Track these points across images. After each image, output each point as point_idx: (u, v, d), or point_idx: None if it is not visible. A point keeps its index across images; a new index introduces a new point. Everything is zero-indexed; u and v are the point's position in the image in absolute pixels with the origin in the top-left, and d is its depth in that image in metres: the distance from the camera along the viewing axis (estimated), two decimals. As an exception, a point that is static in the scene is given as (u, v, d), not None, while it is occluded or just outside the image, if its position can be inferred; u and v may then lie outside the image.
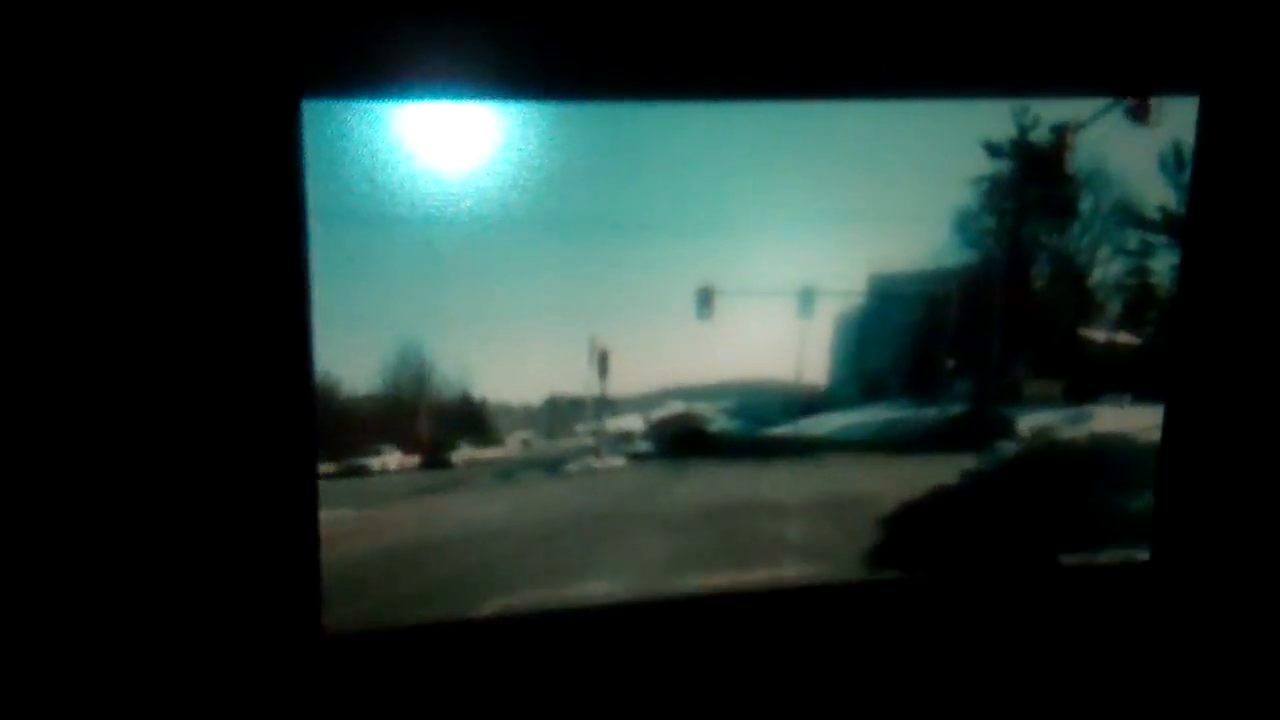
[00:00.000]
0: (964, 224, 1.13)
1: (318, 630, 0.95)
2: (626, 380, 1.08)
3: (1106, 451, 1.19)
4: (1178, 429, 1.06)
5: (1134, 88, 0.98)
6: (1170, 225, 1.08)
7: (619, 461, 1.12)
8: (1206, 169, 1.00)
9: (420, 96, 0.90)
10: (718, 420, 1.15)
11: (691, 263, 1.05)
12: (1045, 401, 1.23)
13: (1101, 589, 1.11)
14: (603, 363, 1.06)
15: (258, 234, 0.88)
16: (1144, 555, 1.12)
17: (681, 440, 1.13)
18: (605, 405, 1.08)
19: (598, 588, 1.10)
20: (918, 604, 1.14)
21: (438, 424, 1.02)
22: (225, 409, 0.91)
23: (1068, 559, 1.19)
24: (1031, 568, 1.19)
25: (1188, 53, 0.96)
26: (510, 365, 1.02)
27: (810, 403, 1.17)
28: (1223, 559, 1.08)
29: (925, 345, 1.22)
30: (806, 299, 1.12)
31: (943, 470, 1.21)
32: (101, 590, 0.90)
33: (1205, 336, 1.03)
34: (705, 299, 1.09)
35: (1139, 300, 1.15)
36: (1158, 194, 1.07)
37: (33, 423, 0.86)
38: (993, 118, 1.04)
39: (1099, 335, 1.20)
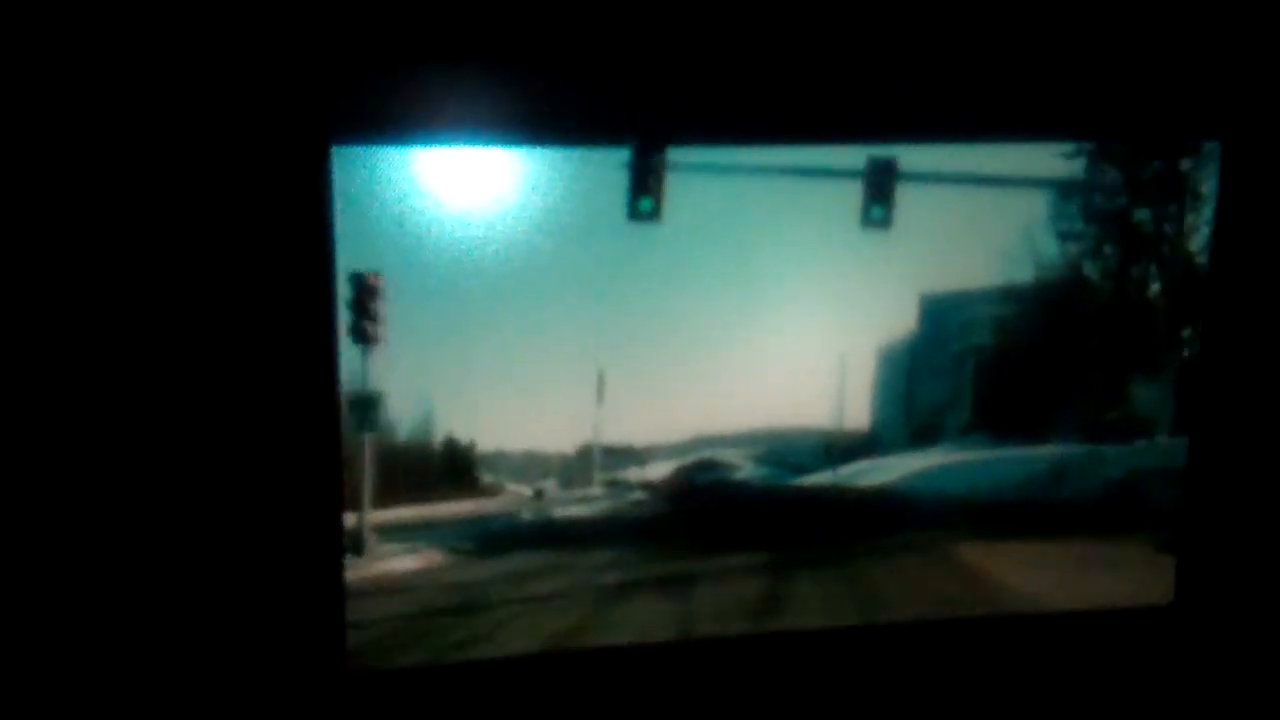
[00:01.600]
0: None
1: (343, 667, 0.96)
2: (650, 425, 1.01)
3: None
4: (1201, 473, 1.05)
5: (1157, 133, 0.98)
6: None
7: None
8: (1229, 214, 1.00)
9: (446, 142, 0.92)
10: (745, 468, 1.02)
11: (720, 301, 1.01)
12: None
13: (1125, 633, 1.10)
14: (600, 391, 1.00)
15: (288, 274, 0.90)
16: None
17: (695, 493, 1.01)
18: (627, 454, 1.01)
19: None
20: (943, 651, 1.12)
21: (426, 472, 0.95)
22: (252, 448, 0.92)
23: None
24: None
25: (1210, 100, 0.96)
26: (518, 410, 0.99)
27: (877, 440, 1.02)
28: (1248, 602, 1.07)
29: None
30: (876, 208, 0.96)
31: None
32: (133, 630, 0.92)
33: (1231, 381, 1.02)
34: (642, 189, 0.93)
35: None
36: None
37: (72, 465, 0.89)
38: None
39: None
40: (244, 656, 0.94)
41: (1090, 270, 1.02)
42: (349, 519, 0.90)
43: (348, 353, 0.90)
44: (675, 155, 0.95)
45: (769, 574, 1.04)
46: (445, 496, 0.96)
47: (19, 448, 0.87)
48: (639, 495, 1.02)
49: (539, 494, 1.01)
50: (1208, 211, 0.97)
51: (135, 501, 0.90)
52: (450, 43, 0.90)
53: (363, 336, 0.87)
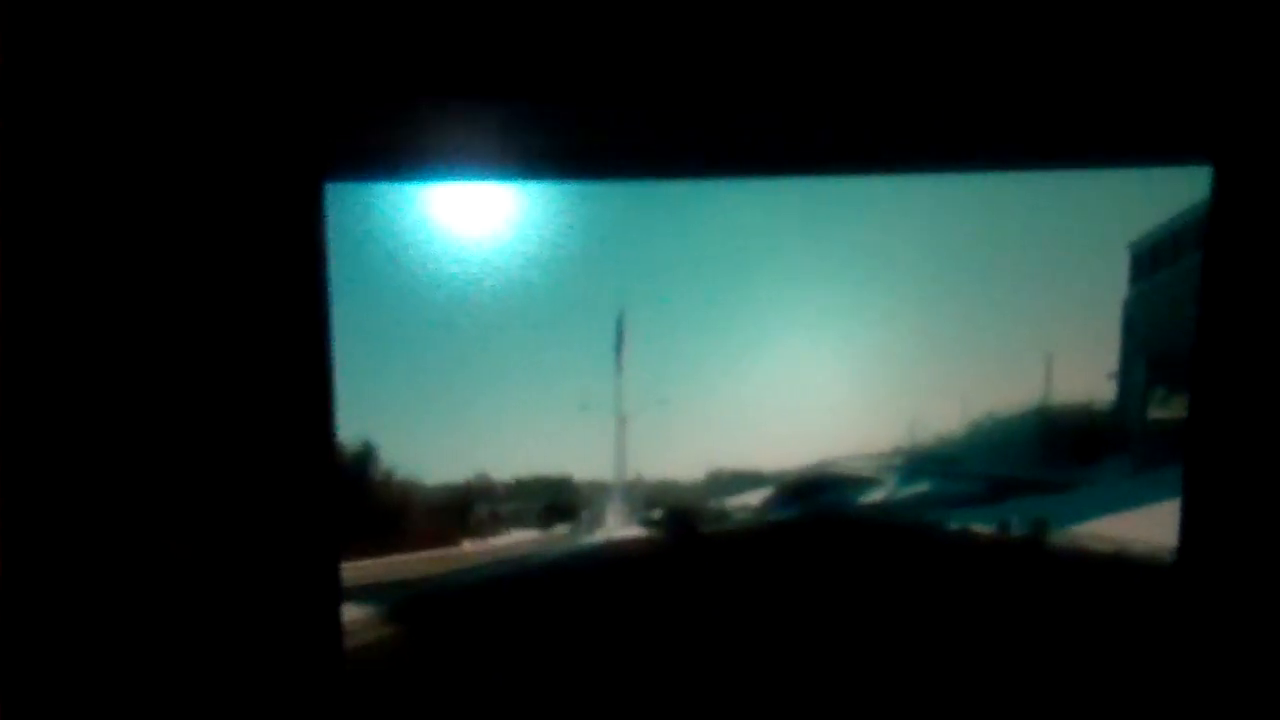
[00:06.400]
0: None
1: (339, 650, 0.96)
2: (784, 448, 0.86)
3: None
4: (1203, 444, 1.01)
5: (1147, 157, 0.98)
6: None
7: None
8: (1220, 238, 0.99)
9: (439, 178, 0.93)
10: (885, 484, 0.76)
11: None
12: None
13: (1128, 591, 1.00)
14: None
15: (283, 312, 0.92)
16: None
17: (774, 539, 0.80)
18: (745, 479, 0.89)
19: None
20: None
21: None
22: (254, 464, 0.92)
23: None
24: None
25: (1200, 123, 0.95)
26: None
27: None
28: (1252, 563, 1.03)
29: None
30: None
31: None
32: (140, 614, 0.94)
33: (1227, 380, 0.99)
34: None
35: None
36: None
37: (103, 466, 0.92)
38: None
39: None
40: (246, 650, 0.94)
41: None
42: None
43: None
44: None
45: None
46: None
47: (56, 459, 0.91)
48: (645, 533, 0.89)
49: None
50: None
51: (150, 509, 0.92)
52: (442, 80, 0.89)
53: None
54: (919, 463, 0.75)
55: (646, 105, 0.92)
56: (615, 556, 0.91)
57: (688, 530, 0.86)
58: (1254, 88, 0.95)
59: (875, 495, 0.75)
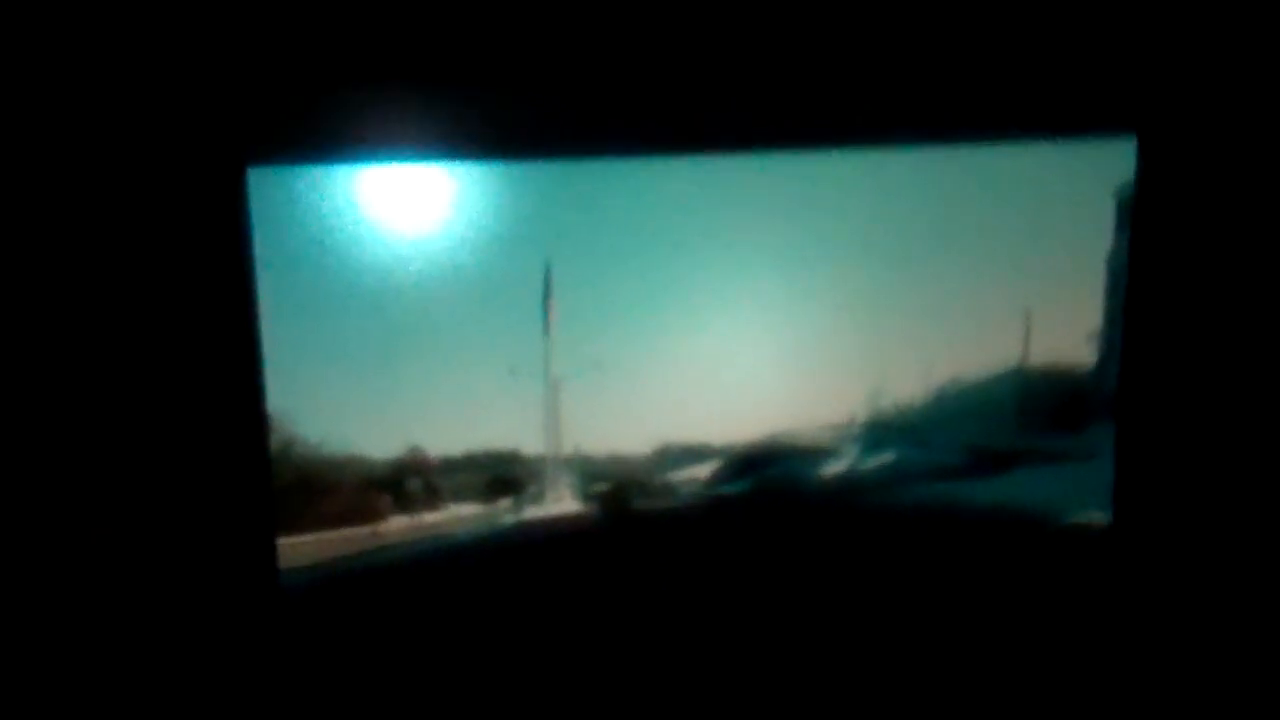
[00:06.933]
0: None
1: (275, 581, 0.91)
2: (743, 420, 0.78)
3: None
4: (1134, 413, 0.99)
5: (1071, 129, 1.01)
6: None
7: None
8: (1146, 209, 1.01)
9: (361, 161, 0.92)
10: (843, 454, 0.68)
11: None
12: None
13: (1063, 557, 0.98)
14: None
15: (208, 296, 0.90)
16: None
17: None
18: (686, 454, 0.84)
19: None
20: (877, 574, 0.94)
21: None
22: (186, 445, 0.91)
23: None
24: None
25: (1124, 93, 1.00)
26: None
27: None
28: (1186, 525, 1.01)
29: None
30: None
31: None
32: (70, 599, 0.91)
33: (1155, 359, 0.99)
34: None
35: None
36: None
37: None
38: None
39: None
40: (183, 624, 0.92)
41: None
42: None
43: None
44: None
45: None
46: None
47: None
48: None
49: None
50: None
51: (78, 492, 0.91)
52: (364, 65, 0.89)
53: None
54: (883, 432, 0.69)
55: (569, 85, 0.92)
56: (541, 535, 0.88)
57: (622, 506, 0.82)
58: (1176, 61, 1.01)
59: (835, 467, 0.71)
